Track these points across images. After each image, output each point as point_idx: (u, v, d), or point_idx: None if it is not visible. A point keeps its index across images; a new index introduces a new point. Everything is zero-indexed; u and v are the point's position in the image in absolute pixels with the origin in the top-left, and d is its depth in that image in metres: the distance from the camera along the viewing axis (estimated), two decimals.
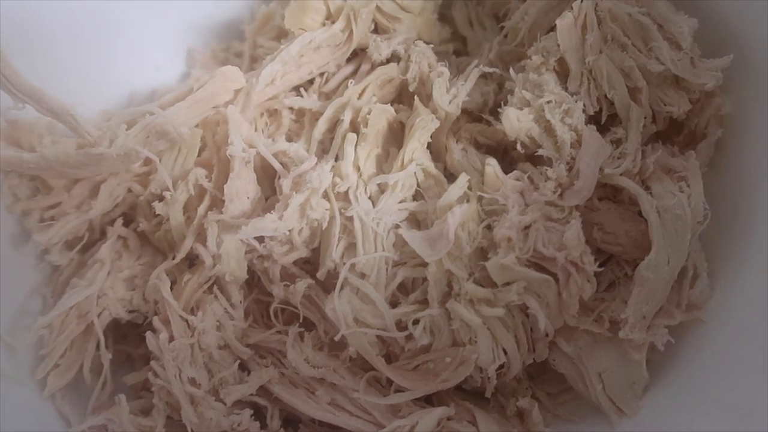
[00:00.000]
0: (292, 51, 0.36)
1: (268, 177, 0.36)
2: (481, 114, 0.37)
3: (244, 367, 0.35)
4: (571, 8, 0.32)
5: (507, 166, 0.34)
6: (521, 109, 0.32)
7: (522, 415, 0.33)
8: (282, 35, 0.42)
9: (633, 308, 0.30)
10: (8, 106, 0.31)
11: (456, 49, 0.41)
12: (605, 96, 0.32)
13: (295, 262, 0.35)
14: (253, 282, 0.36)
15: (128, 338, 0.37)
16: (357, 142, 0.34)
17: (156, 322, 0.33)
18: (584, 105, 0.32)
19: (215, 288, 0.35)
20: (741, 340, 0.30)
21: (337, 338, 0.31)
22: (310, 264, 0.36)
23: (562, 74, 0.33)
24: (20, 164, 0.32)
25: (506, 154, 0.36)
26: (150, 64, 0.44)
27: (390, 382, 0.33)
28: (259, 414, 0.34)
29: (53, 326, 0.32)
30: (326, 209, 0.33)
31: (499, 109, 0.33)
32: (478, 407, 0.33)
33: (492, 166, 0.32)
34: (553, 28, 0.36)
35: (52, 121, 0.36)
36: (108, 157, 0.32)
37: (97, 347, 0.32)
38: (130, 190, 0.35)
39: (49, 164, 0.32)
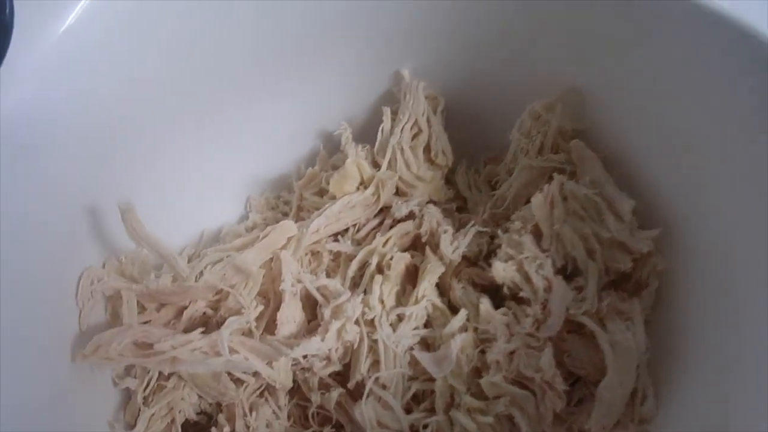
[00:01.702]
0: (334, 209, 0.47)
1: (309, 304, 0.46)
2: (476, 260, 0.48)
3: None
4: (542, 190, 0.43)
5: (498, 301, 0.44)
6: (506, 261, 0.42)
7: None
8: (323, 192, 0.53)
9: (595, 420, 0.39)
10: (131, 247, 0.42)
11: (458, 206, 0.52)
12: (569, 254, 0.43)
13: (329, 374, 0.44)
14: (294, 389, 0.45)
15: None
16: (382, 281, 0.44)
17: (221, 419, 0.41)
18: (553, 260, 0.42)
19: (266, 393, 0.44)
20: None
21: None
22: (340, 375, 0.45)
23: (537, 235, 0.44)
24: (128, 291, 0.43)
25: (497, 292, 0.46)
26: (217, 209, 0.55)
27: None
28: None
29: (143, 423, 0.41)
30: (357, 333, 0.43)
31: (490, 260, 0.44)
32: None
33: (485, 304, 0.42)
34: (529, 200, 0.48)
35: (146, 257, 0.48)
36: (194, 288, 0.43)
37: None
38: (204, 314, 0.45)
39: (150, 293, 0.43)
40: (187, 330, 0.43)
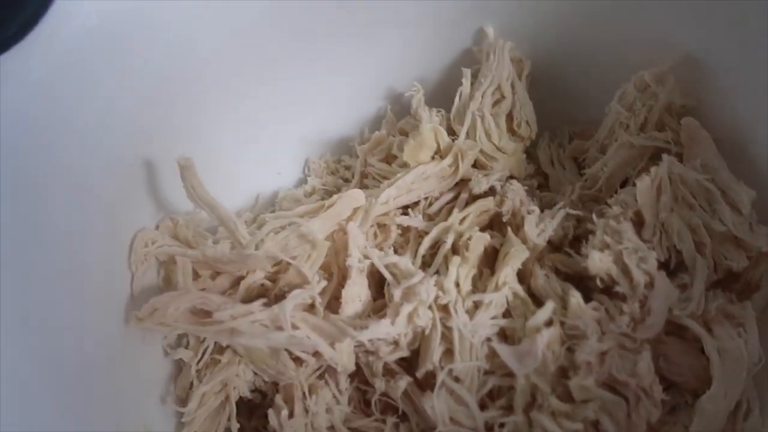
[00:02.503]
0: (407, 180, 0.43)
1: (375, 280, 0.43)
2: (560, 245, 0.43)
3: None
4: (649, 171, 0.38)
5: (583, 292, 0.40)
6: (602, 251, 0.38)
7: None
8: (390, 157, 0.49)
9: None
10: (187, 208, 0.39)
11: (539, 183, 0.48)
12: (674, 246, 0.38)
13: (395, 360, 0.40)
14: (355, 372, 0.41)
15: (241, 412, 0.42)
16: (459, 263, 0.40)
17: (278, 400, 0.38)
18: (656, 253, 0.38)
19: (326, 375, 0.40)
20: None
21: None
22: (406, 362, 0.41)
23: (637, 223, 0.39)
24: (183, 257, 0.39)
25: (581, 282, 0.42)
26: (275, 170, 0.52)
27: None
28: None
29: (196, 399, 0.38)
30: (429, 318, 0.39)
31: (582, 247, 0.39)
32: None
33: (576, 298, 0.37)
34: (627, 179, 0.43)
35: (201, 218, 0.44)
36: (254, 257, 0.39)
37: (228, 418, 0.38)
38: (262, 285, 0.41)
39: (206, 260, 0.39)
40: (244, 301, 0.40)
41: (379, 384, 0.39)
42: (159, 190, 0.42)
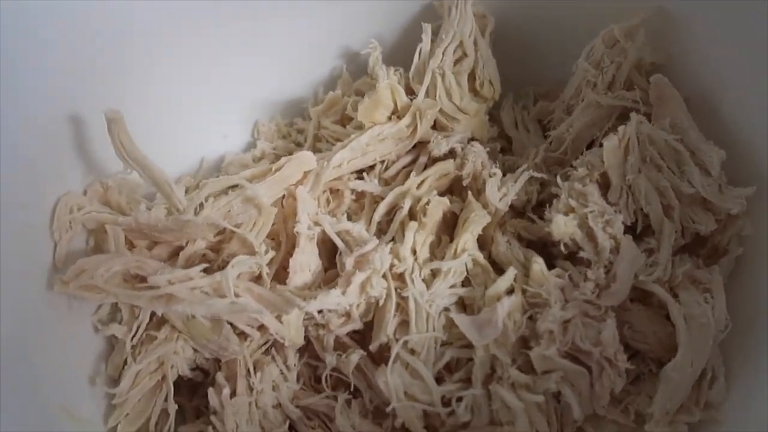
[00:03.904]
0: (362, 141, 0.40)
1: (326, 249, 0.40)
2: (523, 211, 0.41)
3: (291, 427, 0.37)
4: (616, 131, 0.36)
5: (546, 261, 0.38)
6: (567, 214, 0.36)
7: None
8: (345, 119, 0.46)
9: (658, 404, 0.33)
10: (118, 170, 0.35)
11: (502, 147, 0.45)
12: (641, 210, 0.36)
13: (347, 333, 0.38)
14: (304, 347, 0.39)
15: (181, 391, 0.39)
16: (416, 229, 0.37)
17: (220, 378, 0.35)
18: (623, 216, 0.36)
19: (272, 350, 0.38)
20: None
21: (388, 410, 0.34)
22: (359, 335, 0.39)
23: (603, 186, 0.37)
24: (114, 224, 0.36)
25: (544, 249, 0.40)
26: (220, 133, 0.48)
27: None
28: None
29: (128, 379, 0.35)
30: (384, 288, 0.36)
31: (545, 212, 0.37)
32: None
33: (539, 264, 0.35)
34: (594, 141, 0.41)
35: (135, 183, 0.40)
36: (193, 224, 0.36)
37: (165, 399, 0.35)
38: (204, 256, 0.38)
39: (140, 227, 0.36)
40: None
41: (330, 359, 0.37)
42: (88, 151, 0.38)
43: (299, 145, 0.47)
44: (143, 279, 0.34)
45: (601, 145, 0.37)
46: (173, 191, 0.35)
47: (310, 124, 0.47)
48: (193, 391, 0.39)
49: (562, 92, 0.43)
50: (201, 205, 0.37)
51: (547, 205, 0.37)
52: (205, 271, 0.36)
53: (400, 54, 0.46)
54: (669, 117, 0.37)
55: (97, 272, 0.33)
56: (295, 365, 0.38)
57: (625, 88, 0.39)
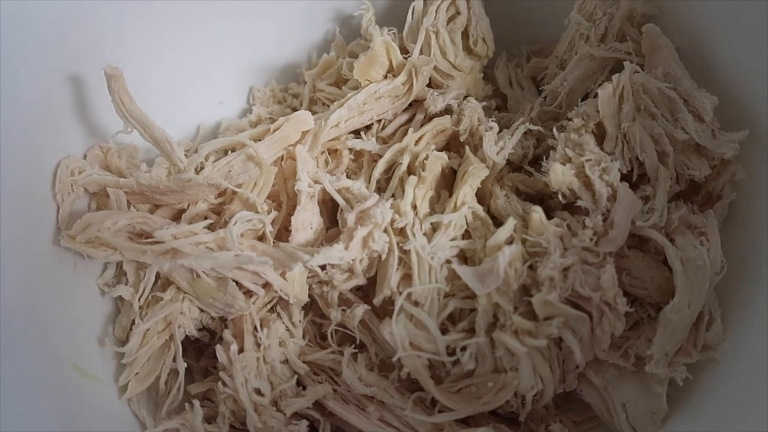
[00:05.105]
0: (358, 99, 0.40)
1: (327, 209, 0.40)
2: (520, 165, 0.41)
3: (298, 383, 0.38)
4: (611, 80, 0.37)
5: (545, 213, 0.38)
6: (564, 164, 0.36)
7: None
8: (340, 81, 0.46)
9: (657, 346, 0.34)
10: (119, 130, 0.35)
11: (497, 104, 0.46)
12: (636, 158, 0.37)
13: (351, 289, 0.38)
14: (309, 305, 0.39)
15: (188, 353, 0.40)
16: (416, 183, 0.38)
17: (227, 335, 0.36)
18: (619, 164, 0.36)
19: (278, 308, 0.38)
20: (750, 378, 0.34)
21: (394, 360, 0.35)
22: (362, 291, 0.39)
23: (599, 136, 0.37)
24: (116, 187, 0.36)
25: (542, 202, 0.40)
26: (215, 99, 0.48)
27: (434, 402, 0.36)
28: (310, 427, 0.37)
29: (137, 338, 0.35)
30: (386, 242, 0.37)
31: (541, 162, 0.37)
32: (511, 430, 0.37)
33: (538, 213, 0.36)
34: (588, 94, 0.41)
35: (134, 148, 0.40)
36: (194, 183, 0.36)
37: (174, 358, 0.35)
38: (205, 218, 0.38)
39: (141, 188, 0.36)
40: None
41: (335, 314, 0.37)
42: (87, 114, 0.38)
43: (295, 110, 0.47)
44: (148, 236, 0.34)
45: (595, 96, 0.37)
46: (174, 150, 0.35)
47: (306, 87, 0.47)
48: (200, 352, 0.40)
49: (555, 49, 0.44)
50: (201, 165, 0.37)
51: (544, 157, 0.38)
52: (209, 228, 0.36)
53: (394, 14, 0.47)
54: (661, 66, 0.37)
55: (104, 225, 0.33)
56: (300, 322, 0.38)
57: (618, 40, 0.40)
